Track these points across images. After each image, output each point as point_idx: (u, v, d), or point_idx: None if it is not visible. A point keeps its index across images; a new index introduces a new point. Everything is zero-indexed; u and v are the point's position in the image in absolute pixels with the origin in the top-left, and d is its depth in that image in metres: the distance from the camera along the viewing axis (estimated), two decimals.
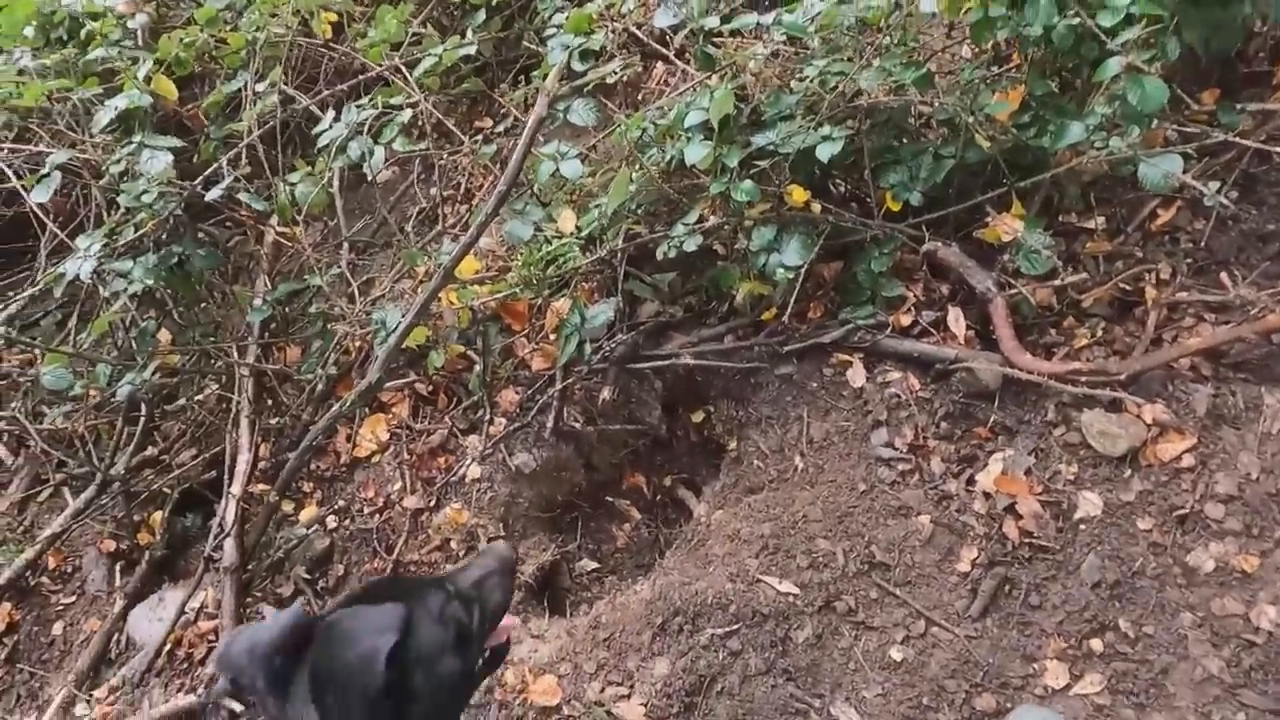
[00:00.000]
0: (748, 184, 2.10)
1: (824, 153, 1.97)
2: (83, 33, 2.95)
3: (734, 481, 2.34)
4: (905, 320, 2.18)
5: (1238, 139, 1.96)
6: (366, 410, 2.63)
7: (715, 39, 2.43)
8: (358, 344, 2.65)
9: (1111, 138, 1.84)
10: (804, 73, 2.12)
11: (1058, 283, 2.03)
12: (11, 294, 2.99)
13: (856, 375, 2.21)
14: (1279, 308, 1.96)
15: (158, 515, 2.85)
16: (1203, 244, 2.16)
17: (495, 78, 3.45)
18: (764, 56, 2.16)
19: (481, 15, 3.16)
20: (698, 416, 2.56)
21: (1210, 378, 1.95)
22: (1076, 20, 1.89)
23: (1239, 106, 2.20)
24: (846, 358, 2.25)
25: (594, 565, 2.47)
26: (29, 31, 3.10)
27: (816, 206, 2.18)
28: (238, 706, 2.15)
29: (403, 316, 2.30)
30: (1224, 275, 2.10)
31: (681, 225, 2.18)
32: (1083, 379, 1.93)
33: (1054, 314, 2.11)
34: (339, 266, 2.70)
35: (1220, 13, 2.03)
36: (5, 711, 2.57)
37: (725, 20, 2.44)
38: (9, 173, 2.68)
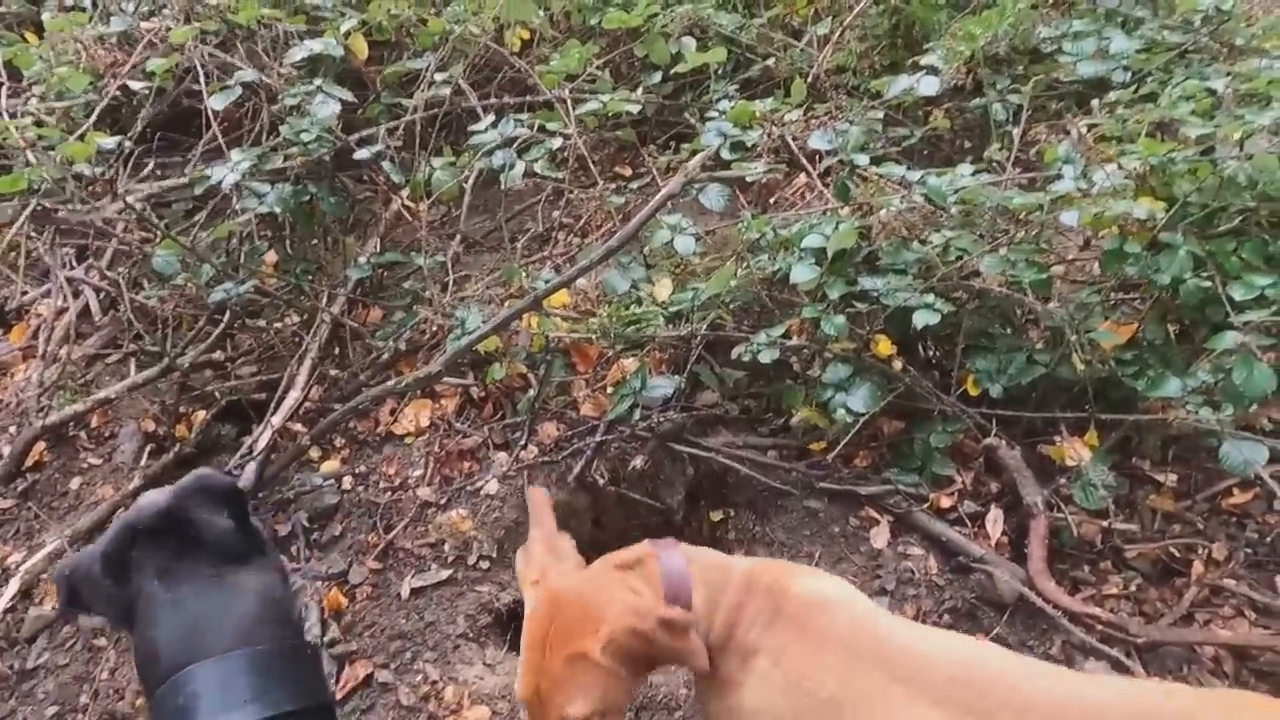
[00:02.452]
0: (840, 320, 2.14)
1: (920, 319, 2.00)
2: None
3: None
4: (946, 502, 2.16)
5: None
6: (419, 393, 2.73)
7: (859, 173, 2.50)
8: (434, 330, 2.76)
9: (1205, 407, 1.81)
10: (930, 237, 2.16)
11: (1106, 524, 1.99)
12: (160, 172, 3.22)
13: (880, 536, 2.20)
14: None
15: (200, 414, 2.99)
16: (1268, 539, 2.09)
17: (649, 134, 3.60)
18: (898, 209, 2.21)
19: (657, 77, 3.31)
20: (716, 515, 2.57)
21: (1230, 676, 1.87)
22: (1208, 283, 1.89)
23: None
24: (876, 515, 2.24)
25: None
26: None
27: (898, 363, 2.20)
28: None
29: (483, 323, 2.41)
30: (1279, 579, 2.02)
31: (765, 335, 2.22)
32: (1100, 627, 1.88)
33: (1093, 551, 2.07)
34: (444, 255, 2.83)
35: None
36: (3, 540, 2.72)
37: (874, 162, 2.51)
38: (200, 72, 2.93)
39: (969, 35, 2.79)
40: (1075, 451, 1.99)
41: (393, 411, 2.74)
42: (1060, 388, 2.13)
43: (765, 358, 2.17)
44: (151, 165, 3.09)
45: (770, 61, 3.31)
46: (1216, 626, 1.93)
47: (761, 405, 2.61)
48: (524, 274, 2.64)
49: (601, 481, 2.46)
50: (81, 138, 2.44)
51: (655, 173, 3.03)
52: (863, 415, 2.12)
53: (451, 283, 2.72)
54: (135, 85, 2.77)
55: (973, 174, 2.39)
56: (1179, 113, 2.35)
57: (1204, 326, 2.01)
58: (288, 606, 1.15)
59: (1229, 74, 2.38)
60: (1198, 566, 2.01)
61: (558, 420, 2.60)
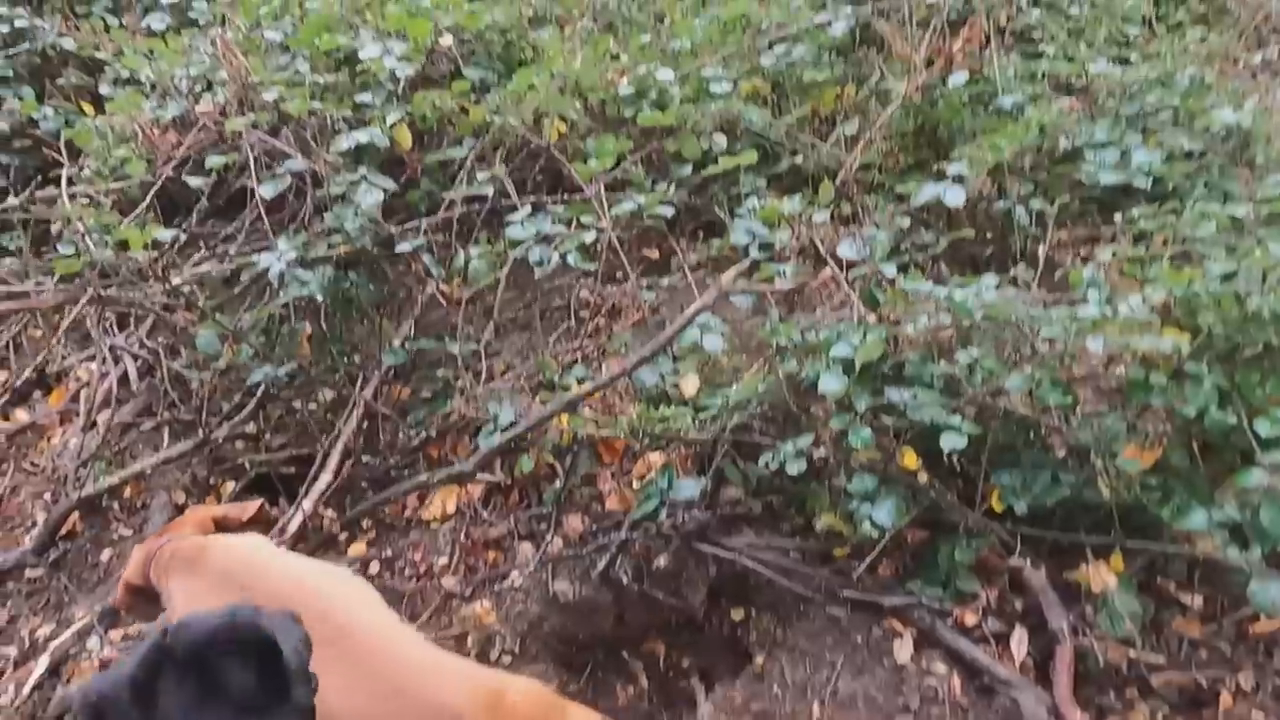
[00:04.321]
0: (866, 433, 2.18)
1: (947, 443, 2.03)
2: (357, 67, 3.35)
3: (748, 697, 2.33)
4: (970, 619, 2.16)
5: None
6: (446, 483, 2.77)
7: (888, 283, 2.56)
8: (464, 417, 2.81)
9: (1232, 545, 1.83)
10: (957, 355, 2.20)
11: (1132, 654, 1.99)
12: (205, 245, 3.32)
13: (903, 650, 2.20)
14: None
15: (230, 485, 3.05)
16: None
17: (678, 221, 3.68)
18: (925, 325, 2.26)
19: (688, 169, 3.41)
20: (737, 614, 2.57)
21: None
22: (1234, 417, 1.91)
23: None
24: (899, 628, 2.24)
25: None
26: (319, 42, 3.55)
27: (924, 476, 2.22)
28: None
29: (514, 416, 2.46)
30: None
31: (792, 444, 2.26)
32: None
33: (1120, 677, 2.06)
34: (477, 344, 2.90)
35: None
36: (31, 611, 2.76)
37: (901, 269, 2.58)
38: (251, 158, 3.05)
39: (994, 146, 2.87)
40: (1100, 578, 2.00)
41: (421, 497, 2.78)
42: (1085, 508, 2.14)
43: (792, 469, 2.20)
44: (201, 247, 3.18)
45: (799, 159, 3.40)
46: None
47: (785, 504, 2.63)
48: (554, 368, 2.69)
49: (625, 579, 2.48)
50: (140, 225, 2.55)
51: (686, 268, 3.10)
52: (888, 529, 2.14)
53: (484, 370, 2.78)
54: (194, 181, 2.88)
55: (997, 286, 2.45)
56: (1202, 233, 2.41)
57: (1229, 453, 2.03)
58: None
59: (1251, 200, 2.44)
60: (1225, 698, 2.00)
61: (583, 513, 2.63)
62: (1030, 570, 2.10)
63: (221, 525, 2.17)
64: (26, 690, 2.43)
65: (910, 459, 2.20)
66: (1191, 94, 3.39)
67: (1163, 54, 3.69)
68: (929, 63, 3.22)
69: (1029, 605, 2.16)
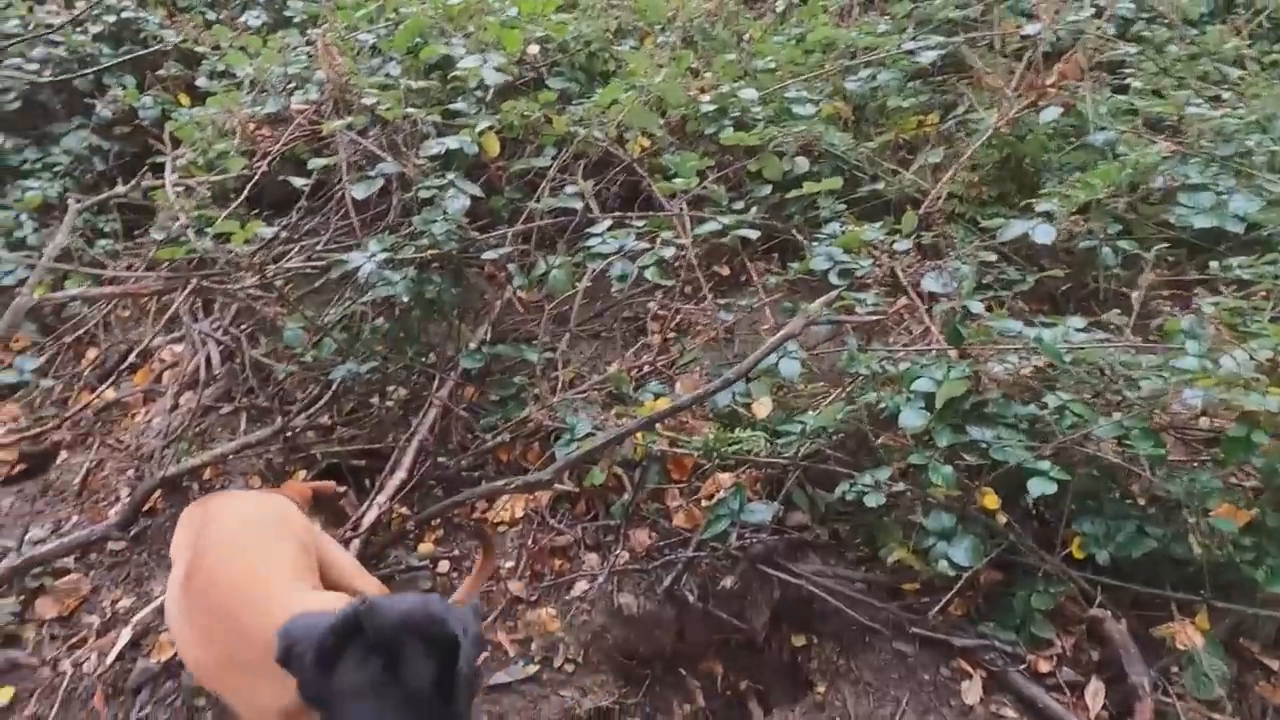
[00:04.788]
0: (948, 470, 2.16)
1: (1036, 488, 2.01)
2: (449, 74, 3.43)
3: None
4: (1044, 666, 2.13)
5: None
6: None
7: (972, 318, 2.53)
8: (538, 423, 2.85)
9: None
10: (1044, 398, 2.17)
11: (1217, 717, 1.94)
12: (292, 238, 3.41)
13: (972, 692, 2.17)
14: None
15: (301, 474, 3.13)
16: None
17: (750, 240, 3.68)
18: (1008, 365, 2.24)
19: (767, 189, 3.41)
20: (799, 641, 2.56)
21: None
22: None
23: None
24: (968, 669, 2.22)
25: None
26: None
27: (1003, 519, 2.20)
28: None
29: (594, 429, 2.49)
30: None
31: (870, 476, 2.25)
32: None
33: None
34: (554, 352, 2.94)
35: None
36: (113, 583, 2.86)
37: (990, 309, 2.55)
38: (344, 159, 3.13)
39: (1086, 185, 2.82)
40: (1187, 637, 1.95)
41: (489, 499, 2.83)
42: (1171, 563, 2.10)
43: (871, 501, 2.20)
44: (290, 243, 3.26)
45: (880, 185, 3.39)
46: None
47: (852, 534, 2.62)
48: (628, 382, 2.71)
49: (690, 597, 2.49)
50: (238, 219, 2.63)
51: (760, 288, 3.11)
52: (966, 569, 2.12)
53: (561, 379, 2.81)
54: (297, 181, 2.97)
55: (1084, 328, 2.41)
56: None
57: None
58: None
59: None
60: None
61: (650, 528, 2.65)
62: (1111, 622, 2.06)
63: (318, 495, 2.51)
64: (110, 659, 2.53)
65: (991, 500, 2.18)
66: None
67: (1261, 96, 3.60)
68: (1020, 95, 3.18)
69: (1106, 657, 2.12)
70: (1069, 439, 2.09)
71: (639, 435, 2.56)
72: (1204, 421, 2.47)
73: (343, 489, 2.77)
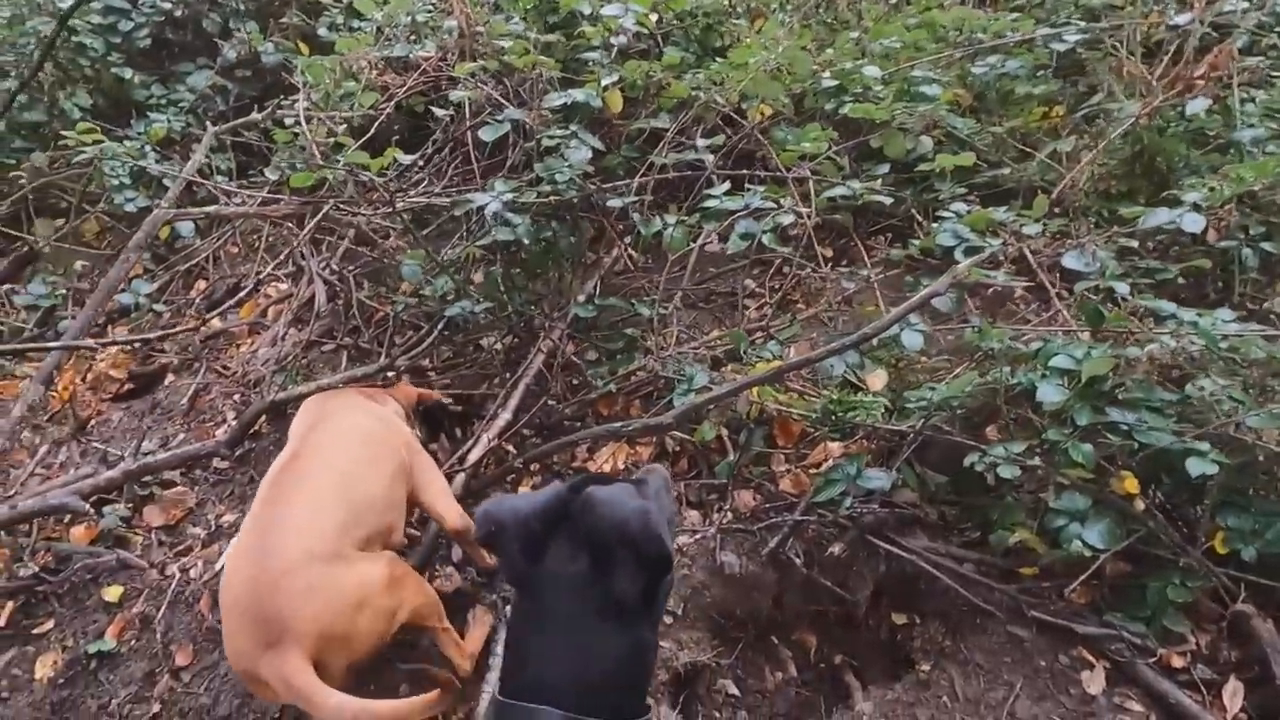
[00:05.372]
0: (1088, 448, 2.07)
1: (1194, 468, 1.91)
2: (575, 30, 3.43)
3: (912, 701, 2.25)
4: (1177, 661, 2.03)
5: None
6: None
7: (1115, 301, 2.44)
8: (644, 377, 2.83)
9: None
10: (1199, 381, 2.07)
11: None
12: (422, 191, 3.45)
13: (1094, 681, 2.08)
14: None
15: None
16: None
17: (860, 220, 3.62)
18: (1163, 345, 2.14)
19: (885, 168, 3.34)
20: (900, 619, 2.49)
21: None
22: None
23: None
24: (1091, 658, 2.12)
25: (734, 692, 2.44)
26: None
27: (1141, 504, 2.10)
28: None
29: (710, 383, 2.46)
30: None
31: (1003, 449, 2.17)
32: None
33: None
34: (665, 309, 2.92)
35: None
36: (217, 498, 2.92)
37: (1135, 292, 2.45)
38: (468, 104, 3.16)
39: (1238, 178, 2.70)
40: None
41: (590, 449, 2.81)
42: None
43: (1005, 473, 2.12)
44: (417, 184, 3.30)
45: (1003, 171, 3.29)
46: None
47: (960, 515, 2.54)
48: (747, 340, 2.67)
49: (795, 561, 2.44)
50: (371, 149, 2.66)
51: (868, 265, 3.04)
52: (1102, 551, 2.03)
53: (674, 334, 2.79)
54: (439, 111, 3.00)
55: (1234, 319, 2.30)
56: None
57: None
58: (645, 674, 1.19)
59: None
60: None
61: (755, 491, 2.60)
62: (1259, 620, 1.95)
63: (423, 400, 2.79)
64: (216, 567, 2.57)
65: (1131, 483, 2.09)
66: None
67: None
68: (1167, 85, 3.05)
69: (1247, 657, 2.01)
70: (1223, 424, 1.98)
71: (755, 393, 2.52)
72: None
73: (450, 402, 2.85)
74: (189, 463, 2.96)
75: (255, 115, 3.17)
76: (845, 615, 2.55)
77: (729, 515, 2.55)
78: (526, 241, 2.77)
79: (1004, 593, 2.28)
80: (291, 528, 1.86)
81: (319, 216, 2.71)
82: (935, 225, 2.92)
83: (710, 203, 2.89)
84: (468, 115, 3.14)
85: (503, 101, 3.14)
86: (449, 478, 2.66)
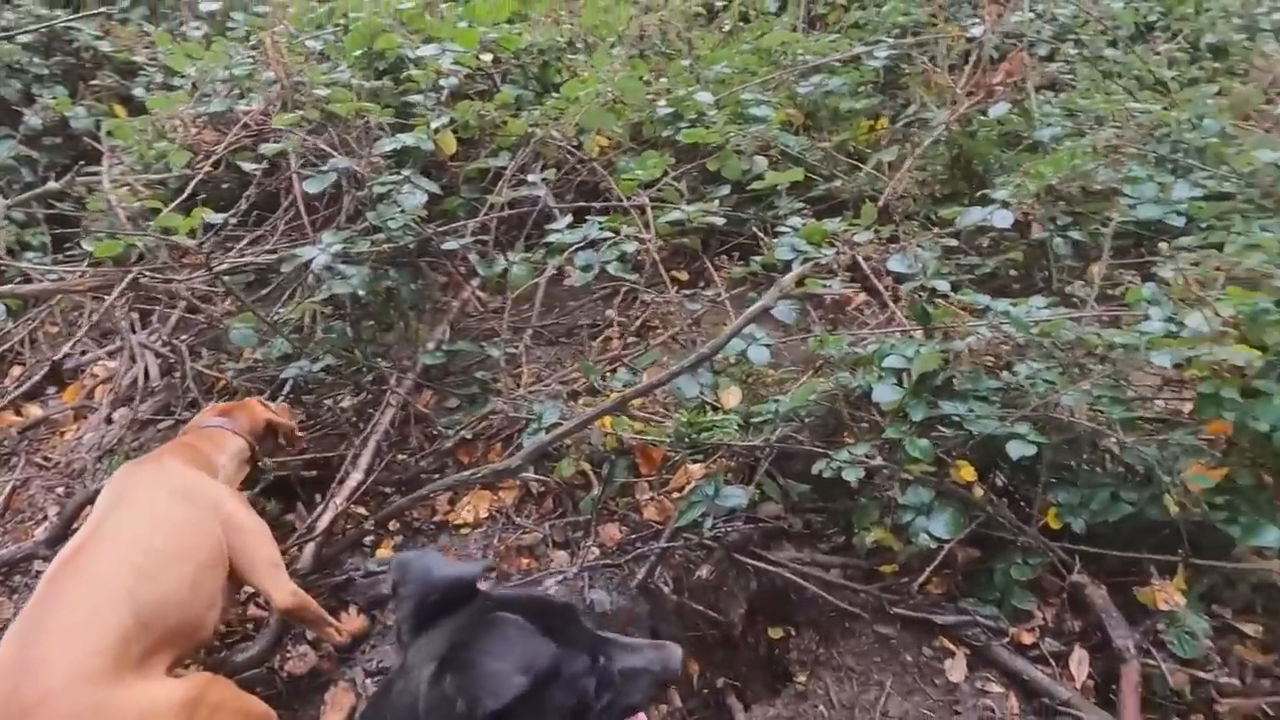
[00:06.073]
0: (925, 443, 2.14)
1: (1014, 450, 2.00)
2: (403, 74, 3.37)
3: (791, 715, 2.24)
4: (1027, 638, 2.10)
5: None
6: (484, 482, 2.70)
7: (939, 298, 2.55)
8: (499, 421, 2.75)
9: None
10: (1015, 368, 2.18)
11: (1203, 674, 1.93)
12: (245, 249, 3.29)
13: (956, 669, 2.13)
14: None
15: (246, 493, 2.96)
16: None
17: (708, 242, 3.68)
18: (980, 337, 2.24)
19: (726, 189, 3.42)
20: (776, 633, 2.49)
21: None
22: None
23: None
24: (951, 646, 2.17)
25: None
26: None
27: (980, 490, 2.18)
28: None
29: (561, 419, 2.41)
30: None
31: (848, 452, 2.22)
32: None
33: (1184, 703, 1.99)
34: (515, 348, 2.86)
35: None
36: None
37: (955, 289, 2.57)
38: (293, 157, 3.03)
39: (1039, 174, 2.89)
40: (1168, 597, 1.95)
41: (452, 501, 2.71)
42: (1148, 528, 2.10)
43: (849, 476, 2.16)
44: (239, 243, 3.14)
45: (836, 184, 3.43)
46: None
47: (824, 521, 2.57)
48: (597, 371, 2.65)
49: (665, 589, 2.41)
50: (184, 210, 2.51)
51: (720, 283, 3.09)
52: (946, 541, 2.09)
53: (524, 374, 2.73)
54: (248, 166, 2.86)
55: (1046, 305, 2.44)
56: (1253, 262, 2.41)
57: None
58: None
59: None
60: None
61: (620, 523, 2.56)
62: (1093, 588, 2.05)
63: (272, 428, 2.50)
64: None
65: (967, 471, 2.16)
66: (1219, 139, 3.45)
67: (1187, 102, 3.76)
68: (969, 93, 3.26)
69: (1088, 625, 2.11)
70: (1041, 406, 2.09)
71: (608, 425, 2.49)
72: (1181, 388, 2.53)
73: (301, 435, 2.67)
74: (5, 568, 2.67)
75: (53, 184, 2.94)
76: (723, 637, 2.53)
77: (595, 551, 2.49)
78: (363, 293, 2.67)
79: (868, 593, 2.32)
80: (57, 639, 1.54)
81: (122, 286, 2.51)
82: (775, 240, 2.99)
83: (552, 237, 2.87)
84: (294, 167, 3.02)
85: (329, 151, 3.03)
86: (300, 547, 2.51)
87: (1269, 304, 1.99)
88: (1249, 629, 2.13)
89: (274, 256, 2.86)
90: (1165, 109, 3.74)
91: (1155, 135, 3.50)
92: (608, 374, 2.67)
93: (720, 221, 2.77)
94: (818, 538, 2.57)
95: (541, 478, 2.61)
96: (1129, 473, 2.17)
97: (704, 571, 2.41)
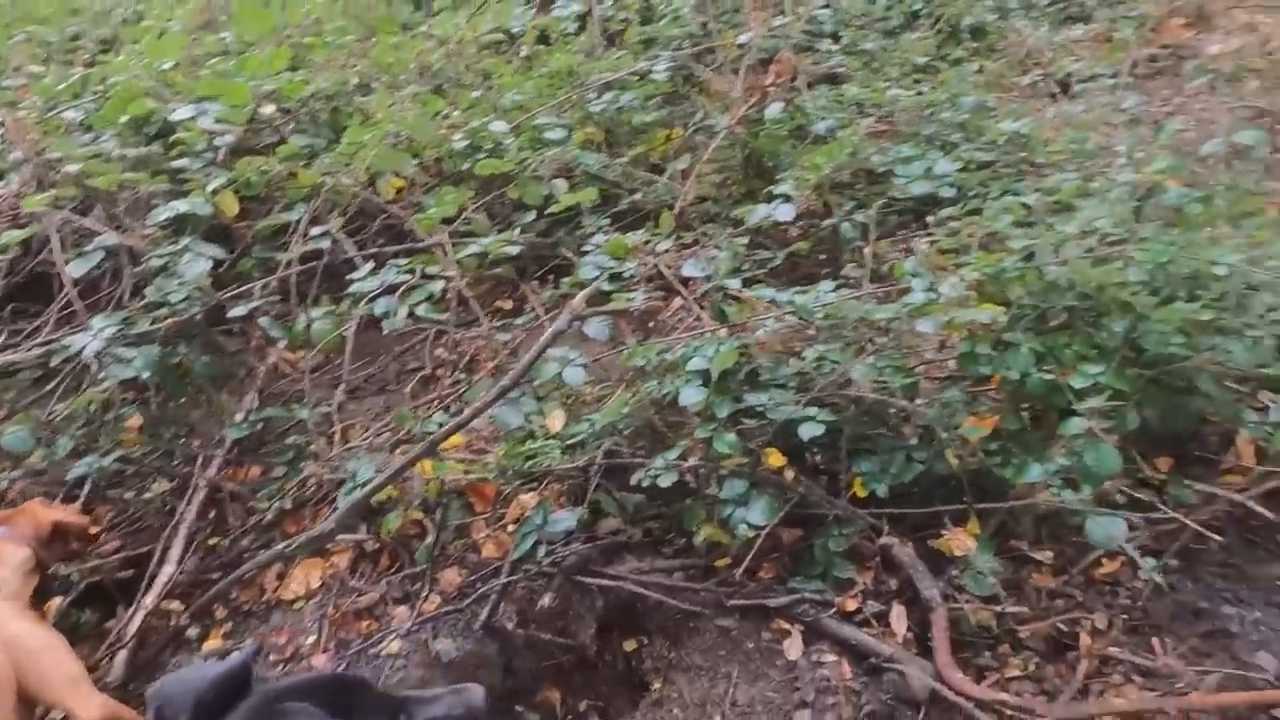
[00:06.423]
0: (732, 437, 2.23)
1: (806, 431, 2.11)
2: (171, 137, 3.20)
3: None
4: (851, 605, 2.22)
5: (1181, 516, 2.11)
6: (308, 553, 2.59)
7: (733, 297, 2.66)
8: (321, 485, 2.66)
9: (1066, 489, 1.98)
10: (805, 352, 2.30)
11: (999, 609, 2.10)
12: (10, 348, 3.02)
13: (793, 647, 2.22)
14: (1201, 687, 2.01)
15: (56, 602, 2.72)
16: (1140, 604, 2.24)
17: (527, 269, 3.69)
18: (771, 327, 2.36)
19: (531, 215, 3.45)
20: (630, 645, 2.52)
21: None
22: (1050, 374, 2.10)
23: (1188, 483, 2.38)
24: (787, 626, 2.26)
25: None
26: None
27: (790, 474, 2.28)
28: None
29: (376, 472, 2.35)
30: (1155, 641, 2.17)
31: (662, 459, 2.27)
32: (1008, 712, 1.94)
33: (992, 636, 2.16)
34: (328, 405, 2.77)
35: (1177, 398, 2.26)
36: None
37: (745, 284, 2.69)
38: (55, 238, 2.82)
39: (814, 165, 3.07)
40: (960, 542, 2.11)
41: (280, 576, 2.59)
42: (939, 481, 2.27)
43: (664, 481, 2.21)
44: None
45: (637, 196, 3.52)
46: (1111, 695, 2.04)
47: (664, 527, 2.63)
48: (414, 418, 2.61)
49: (510, 625, 2.39)
50: None
51: (539, 308, 3.11)
52: (763, 528, 2.18)
53: (338, 433, 2.65)
54: None
55: (833, 290, 2.60)
56: (1001, 225, 2.66)
57: (1053, 412, 2.21)
58: None
59: (1036, 190, 2.73)
60: (1085, 639, 2.13)
61: (459, 565, 2.52)
62: (899, 547, 2.19)
63: (60, 530, 2.26)
64: None
65: (775, 458, 2.26)
66: (976, 113, 3.79)
67: (949, 82, 4.11)
68: (746, 97, 3.43)
69: (903, 581, 2.24)
70: (828, 381, 2.21)
71: (429, 470, 2.45)
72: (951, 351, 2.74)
73: (95, 529, 2.47)
74: None
75: None
76: (579, 659, 2.54)
77: (436, 600, 2.44)
78: (148, 375, 2.51)
79: (706, 590, 2.38)
80: None
81: None
82: (579, 260, 3.04)
83: (354, 286, 2.80)
84: (57, 250, 2.80)
85: (95, 229, 2.84)
86: (110, 656, 2.33)
87: (1007, 264, 2.20)
88: (1041, 556, 2.33)
89: (38, 352, 2.64)
90: (932, 90, 4.08)
91: (923, 116, 3.81)
92: (424, 417, 2.62)
93: (514, 251, 2.78)
94: (661, 544, 2.62)
95: (362, 537, 2.53)
96: (919, 435, 2.33)
97: (547, 600, 2.41)
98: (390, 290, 2.66)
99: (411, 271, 2.77)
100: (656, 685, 2.36)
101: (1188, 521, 2.13)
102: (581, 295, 2.33)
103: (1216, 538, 2.14)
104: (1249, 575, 2.31)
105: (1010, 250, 2.29)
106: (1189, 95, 4.47)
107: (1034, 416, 2.22)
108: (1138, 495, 2.18)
